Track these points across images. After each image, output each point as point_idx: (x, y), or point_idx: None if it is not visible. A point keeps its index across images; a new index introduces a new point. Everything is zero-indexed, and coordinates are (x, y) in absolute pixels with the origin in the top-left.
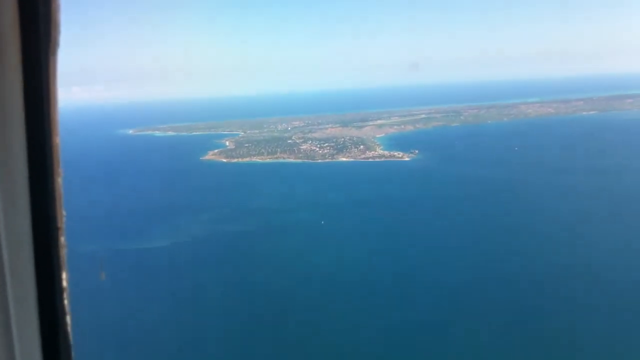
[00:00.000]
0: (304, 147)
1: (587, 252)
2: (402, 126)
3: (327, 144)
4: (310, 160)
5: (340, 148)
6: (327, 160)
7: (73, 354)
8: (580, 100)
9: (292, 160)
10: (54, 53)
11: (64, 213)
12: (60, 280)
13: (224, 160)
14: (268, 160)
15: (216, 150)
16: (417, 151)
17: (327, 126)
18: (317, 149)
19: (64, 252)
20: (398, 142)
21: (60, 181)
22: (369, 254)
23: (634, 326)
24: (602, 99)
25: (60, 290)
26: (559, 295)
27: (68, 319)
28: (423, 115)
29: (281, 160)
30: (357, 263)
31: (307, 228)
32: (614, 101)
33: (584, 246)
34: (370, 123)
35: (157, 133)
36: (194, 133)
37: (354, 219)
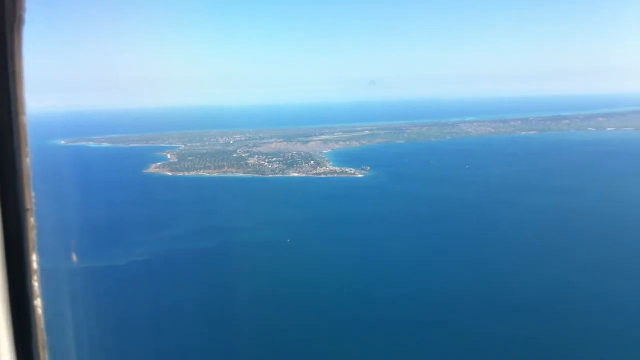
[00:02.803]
0: (251, 161)
1: (540, 269)
2: (348, 142)
3: (275, 159)
4: (260, 175)
5: (291, 163)
6: (278, 175)
7: (45, 336)
8: (518, 121)
9: (241, 175)
10: (19, 30)
11: (33, 194)
12: (30, 262)
13: (169, 173)
14: (216, 174)
15: (159, 164)
16: (368, 168)
17: (271, 140)
18: (266, 163)
19: (34, 234)
20: (347, 158)
21: (28, 162)
22: (340, 274)
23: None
24: (540, 120)
25: (31, 272)
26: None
27: (39, 301)
28: (366, 132)
29: (230, 174)
30: (329, 283)
31: (273, 247)
32: (551, 122)
33: (536, 264)
34: (315, 138)
35: (92, 144)
36: (132, 145)
37: (319, 237)
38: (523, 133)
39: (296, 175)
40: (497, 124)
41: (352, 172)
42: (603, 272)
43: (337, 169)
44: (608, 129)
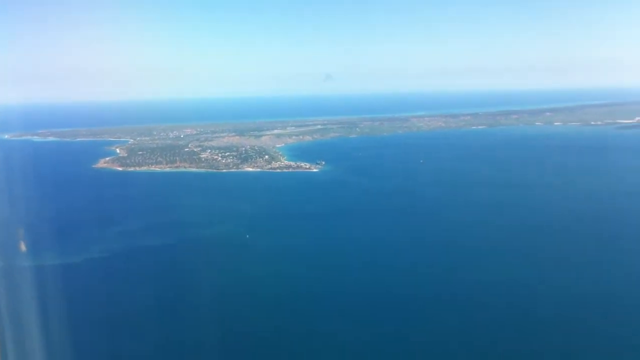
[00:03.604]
0: (204, 155)
1: (492, 261)
2: (301, 136)
3: (229, 153)
4: (214, 170)
5: (245, 158)
6: (232, 170)
7: None
8: (468, 115)
9: (194, 169)
10: None
11: None
12: None
13: (119, 168)
14: (168, 169)
15: (108, 158)
16: (323, 162)
17: (223, 134)
18: (220, 158)
19: None
20: (301, 153)
21: None
22: (300, 269)
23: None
24: (489, 114)
25: None
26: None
27: None
28: (319, 126)
29: (182, 169)
30: (290, 278)
31: (233, 242)
32: (500, 116)
33: (492, 256)
34: (268, 132)
35: (36, 138)
36: (79, 139)
37: (278, 232)
38: (473, 127)
39: (251, 169)
40: (448, 118)
41: (307, 166)
42: (545, 262)
43: (292, 163)
44: (555, 124)
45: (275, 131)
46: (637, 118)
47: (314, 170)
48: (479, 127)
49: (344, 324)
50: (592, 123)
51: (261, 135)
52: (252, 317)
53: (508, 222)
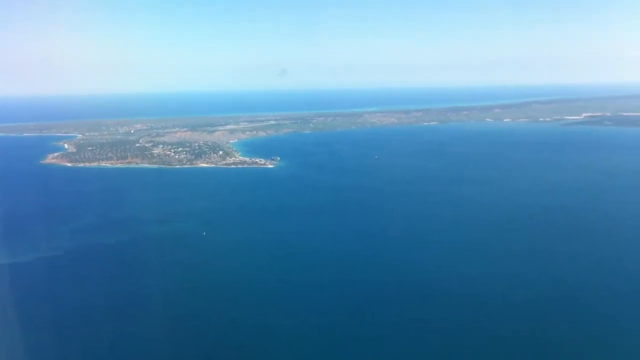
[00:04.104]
0: (156, 151)
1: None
2: (254, 132)
3: (181, 149)
4: (167, 166)
5: (198, 153)
6: (185, 165)
7: None
8: (420, 111)
9: (146, 165)
10: None
11: None
12: None
13: (68, 164)
14: (119, 165)
15: (56, 154)
16: (278, 158)
17: (174, 130)
18: (172, 153)
19: None
20: (255, 148)
21: None
22: (259, 266)
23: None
24: (440, 111)
25: None
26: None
27: None
28: (272, 122)
29: (134, 165)
30: (249, 275)
31: (190, 239)
32: (451, 113)
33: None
34: (221, 128)
35: None
36: (25, 134)
37: (236, 229)
38: (425, 123)
39: (205, 165)
40: (400, 114)
41: (262, 162)
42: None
43: (247, 159)
44: (505, 120)
45: (229, 126)
46: (584, 114)
47: (270, 166)
48: (431, 123)
49: (300, 315)
50: (541, 119)
51: (214, 131)
52: (209, 313)
53: (462, 216)
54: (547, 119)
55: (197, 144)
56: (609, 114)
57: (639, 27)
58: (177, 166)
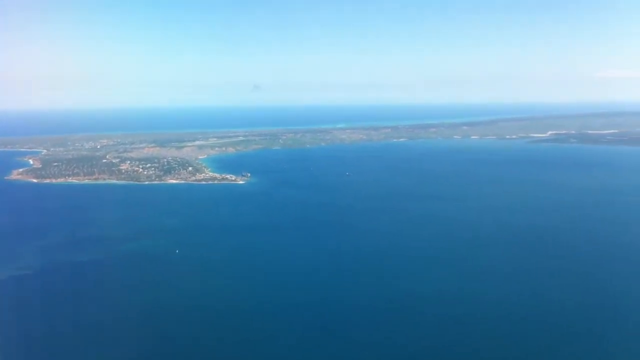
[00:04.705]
0: (124, 167)
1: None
2: (224, 148)
3: (150, 165)
4: (135, 182)
5: (167, 169)
6: (154, 182)
7: None
8: (389, 128)
9: (114, 181)
10: None
11: None
12: None
13: (34, 180)
14: (87, 181)
15: (21, 170)
16: (249, 174)
17: (142, 145)
18: (141, 169)
19: None
20: (225, 164)
21: None
22: (233, 285)
23: None
24: (409, 128)
25: None
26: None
27: None
28: (241, 138)
29: (102, 181)
30: (224, 294)
31: (162, 258)
32: (420, 130)
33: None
34: (189, 144)
35: None
36: None
37: (209, 246)
38: (394, 140)
39: (174, 181)
40: (369, 131)
41: (233, 178)
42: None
43: (217, 175)
44: (472, 137)
45: (197, 142)
46: (549, 132)
47: (240, 182)
48: (400, 139)
49: (273, 334)
50: (507, 137)
51: (183, 147)
52: (185, 332)
53: (436, 233)
54: (514, 137)
55: (165, 160)
56: (573, 131)
57: (599, 50)
58: (146, 182)
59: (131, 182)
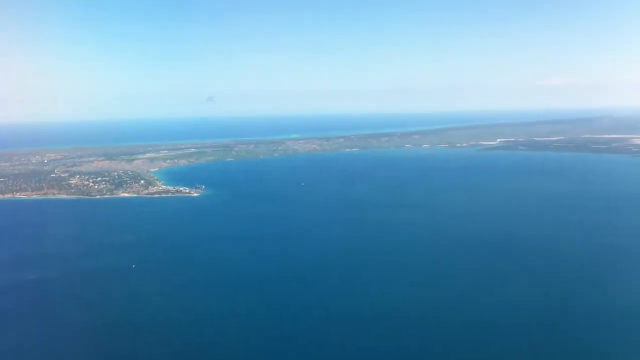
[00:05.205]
0: (74, 181)
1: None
2: (176, 160)
3: (101, 179)
4: (86, 197)
5: (119, 183)
6: (106, 196)
7: None
8: (341, 138)
9: (64, 196)
10: None
11: None
12: None
13: None
14: (36, 196)
15: None
16: (203, 187)
17: (91, 159)
18: (92, 184)
19: None
20: (178, 177)
21: None
22: (193, 299)
23: None
24: (361, 137)
25: None
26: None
27: None
28: (193, 150)
29: (51, 196)
30: (185, 310)
31: (120, 274)
32: (372, 139)
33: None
34: (140, 157)
35: None
36: None
37: (167, 262)
38: (347, 150)
39: (127, 195)
40: (322, 141)
41: (187, 191)
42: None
43: (171, 188)
44: (424, 146)
45: (148, 155)
46: (499, 140)
47: (195, 195)
48: (353, 149)
49: (233, 349)
50: (458, 145)
51: (133, 160)
52: (141, 349)
53: (393, 240)
54: (465, 145)
55: (116, 174)
56: (522, 139)
57: (544, 58)
58: (98, 197)
59: (82, 197)
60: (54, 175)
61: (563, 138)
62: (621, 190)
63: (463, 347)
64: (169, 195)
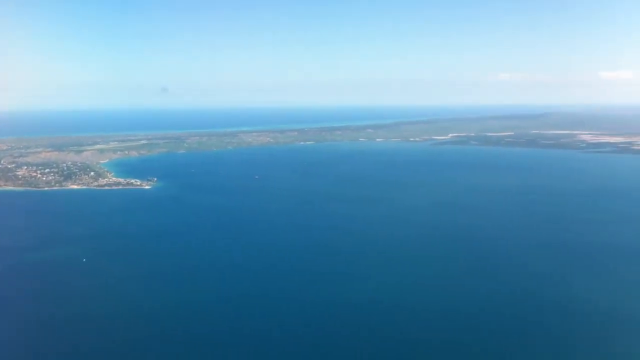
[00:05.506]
0: (21, 172)
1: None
2: (126, 152)
3: (49, 170)
4: (34, 188)
5: (68, 174)
6: (55, 187)
7: None
8: (295, 131)
9: (11, 187)
10: None
11: None
12: None
13: None
14: None
15: None
16: (155, 179)
17: (38, 150)
18: (39, 175)
19: None
20: (129, 169)
21: None
22: (145, 292)
23: None
24: (315, 130)
25: None
26: None
27: None
28: (144, 141)
29: None
30: (137, 303)
31: (70, 267)
32: (326, 132)
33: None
34: (89, 148)
35: None
36: None
37: (119, 254)
38: (301, 143)
39: (76, 187)
40: (275, 134)
41: (139, 183)
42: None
43: (121, 180)
44: (377, 140)
45: (98, 146)
46: (450, 134)
47: (146, 187)
48: (307, 142)
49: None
50: (412, 139)
51: (82, 151)
52: (92, 342)
53: (346, 232)
54: (418, 139)
55: (65, 165)
56: (473, 134)
57: (493, 54)
58: (46, 188)
59: (30, 188)
60: (0, 165)
61: (513, 133)
62: (567, 185)
63: (409, 331)
64: (120, 187)
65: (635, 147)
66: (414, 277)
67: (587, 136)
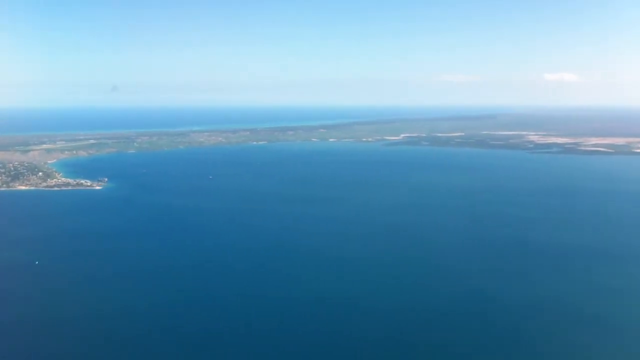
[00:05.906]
0: None
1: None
2: (75, 151)
3: None
4: None
5: (15, 175)
6: (2, 188)
7: None
8: (247, 131)
9: None
10: None
11: None
12: None
13: None
14: None
15: None
16: (106, 179)
17: None
18: None
19: None
20: (78, 169)
21: None
22: (97, 292)
23: None
24: (267, 130)
25: None
26: None
27: None
28: (92, 141)
29: None
30: (88, 304)
31: (22, 270)
32: (278, 132)
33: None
34: (36, 147)
35: None
36: None
37: (71, 256)
38: (254, 143)
39: (24, 188)
40: (227, 133)
41: (89, 183)
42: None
43: (71, 180)
44: (330, 140)
45: (45, 146)
46: (402, 135)
47: (97, 187)
48: (259, 142)
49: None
50: (364, 139)
51: (29, 151)
52: (45, 347)
53: (303, 233)
54: (370, 139)
55: (11, 165)
56: (424, 134)
57: (437, 55)
58: None
59: None
60: None
61: (463, 134)
62: (516, 185)
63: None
64: (70, 188)
65: (581, 148)
66: (360, 275)
67: (535, 137)
